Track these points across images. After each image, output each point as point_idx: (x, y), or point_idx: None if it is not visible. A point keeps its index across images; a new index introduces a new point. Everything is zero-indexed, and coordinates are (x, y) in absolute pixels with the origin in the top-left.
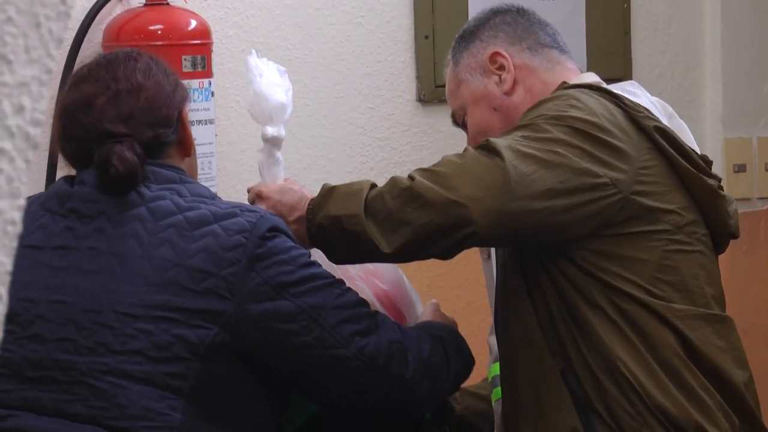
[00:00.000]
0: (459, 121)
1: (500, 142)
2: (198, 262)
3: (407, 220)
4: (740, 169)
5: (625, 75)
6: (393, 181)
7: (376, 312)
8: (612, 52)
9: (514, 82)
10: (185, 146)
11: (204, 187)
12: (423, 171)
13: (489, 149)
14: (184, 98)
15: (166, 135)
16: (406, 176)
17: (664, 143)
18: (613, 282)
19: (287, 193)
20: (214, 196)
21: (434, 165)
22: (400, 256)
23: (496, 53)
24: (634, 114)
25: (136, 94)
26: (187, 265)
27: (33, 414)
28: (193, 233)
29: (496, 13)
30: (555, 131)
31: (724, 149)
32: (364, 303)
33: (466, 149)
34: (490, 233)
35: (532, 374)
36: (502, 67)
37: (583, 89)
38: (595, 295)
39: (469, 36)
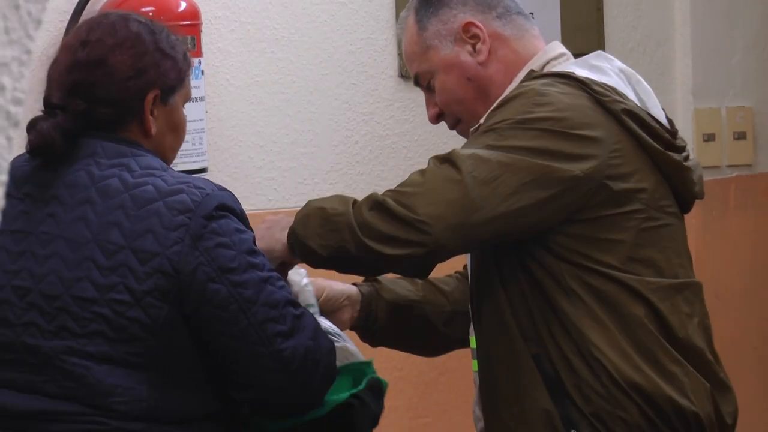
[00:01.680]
0: (424, 83)
1: (461, 153)
2: (144, 243)
3: (379, 229)
4: (710, 138)
5: (599, 50)
6: (369, 196)
7: (302, 313)
8: (585, 28)
9: (489, 53)
10: (144, 128)
11: (157, 159)
12: (392, 191)
13: (448, 161)
14: (152, 85)
15: (112, 114)
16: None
17: (632, 125)
18: (587, 264)
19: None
20: (166, 168)
21: (400, 184)
22: (371, 249)
23: (470, 23)
24: (601, 99)
25: (93, 68)
26: (134, 246)
27: (13, 391)
28: (138, 213)
29: None
30: (520, 136)
31: (694, 119)
32: (292, 303)
33: (429, 162)
34: (455, 246)
35: (507, 358)
36: (475, 37)
37: (548, 79)
38: (568, 279)
39: (436, 2)
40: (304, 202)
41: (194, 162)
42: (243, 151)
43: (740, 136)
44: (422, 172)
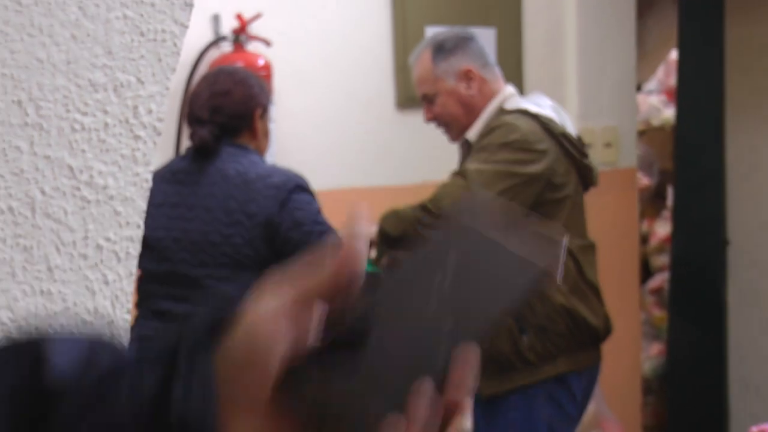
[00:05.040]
0: (427, 99)
1: (469, 168)
2: (250, 207)
3: (422, 222)
4: (588, 146)
5: (518, 86)
6: (420, 202)
7: None
8: (511, 72)
9: (477, 90)
10: (254, 133)
11: (257, 155)
12: (430, 197)
13: (461, 174)
14: (257, 105)
15: (237, 124)
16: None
17: (565, 142)
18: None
19: None
20: (262, 160)
21: (433, 192)
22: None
23: (469, 70)
24: (547, 125)
25: (223, 96)
26: (244, 210)
27: (172, 301)
28: (246, 189)
29: (467, 39)
30: (503, 153)
31: (579, 133)
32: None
33: (450, 177)
34: None
35: None
36: (470, 78)
37: (514, 114)
38: None
39: (449, 51)
40: (337, 185)
41: (267, 159)
42: (296, 152)
43: (608, 145)
44: (445, 185)
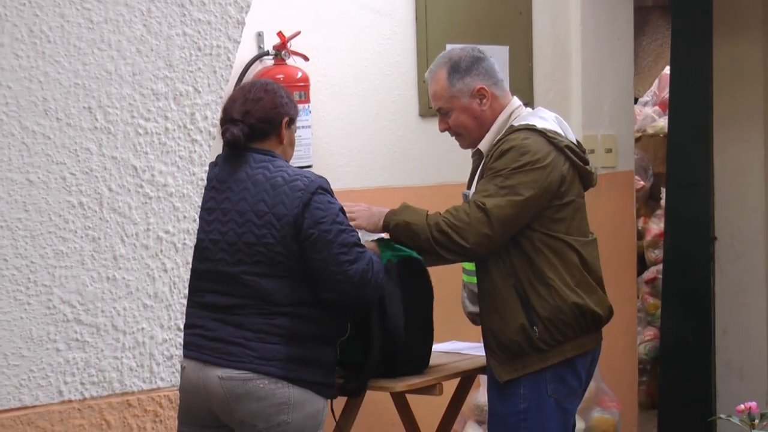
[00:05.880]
0: (442, 112)
1: (488, 203)
2: (279, 209)
3: (445, 246)
4: (591, 151)
5: (528, 99)
6: (437, 222)
7: (364, 251)
8: (522, 88)
9: (489, 106)
10: (280, 139)
11: (283, 160)
12: (449, 223)
13: (483, 211)
14: (287, 113)
15: (265, 128)
16: (446, 218)
17: (569, 153)
18: (549, 232)
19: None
20: (288, 165)
21: (456, 218)
22: (440, 254)
23: (482, 88)
24: (553, 140)
25: (255, 102)
26: (274, 212)
27: (217, 295)
28: (274, 192)
29: (480, 59)
30: (516, 177)
31: (583, 140)
32: (358, 245)
33: (471, 209)
34: (489, 255)
35: (498, 287)
36: (483, 96)
37: (523, 133)
38: (536, 242)
39: (464, 71)
40: (365, 184)
41: (304, 161)
42: (330, 155)
43: (608, 150)
44: (468, 214)
